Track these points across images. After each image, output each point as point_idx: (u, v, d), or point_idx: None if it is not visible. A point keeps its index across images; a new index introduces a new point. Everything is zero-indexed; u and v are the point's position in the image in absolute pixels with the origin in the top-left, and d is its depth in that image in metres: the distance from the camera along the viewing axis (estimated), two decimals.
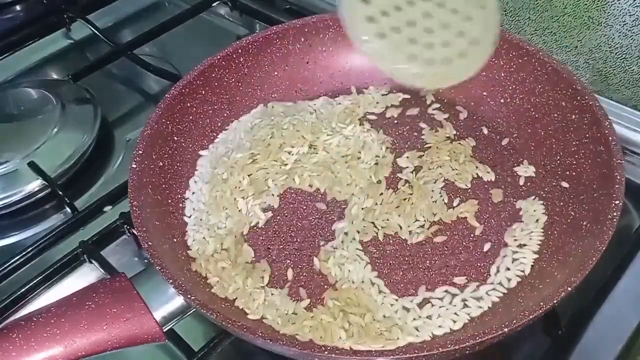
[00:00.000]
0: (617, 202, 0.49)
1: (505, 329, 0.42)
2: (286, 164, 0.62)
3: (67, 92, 0.78)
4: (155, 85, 0.84)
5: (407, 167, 0.62)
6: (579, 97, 0.57)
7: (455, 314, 0.51)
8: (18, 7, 0.96)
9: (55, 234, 0.64)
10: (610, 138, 0.53)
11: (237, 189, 0.60)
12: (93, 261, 0.61)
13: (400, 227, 0.57)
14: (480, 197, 0.59)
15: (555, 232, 0.55)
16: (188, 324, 0.51)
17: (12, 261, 0.62)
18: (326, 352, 0.43)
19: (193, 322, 0.55)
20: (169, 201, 0.58)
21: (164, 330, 0.48)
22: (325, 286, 0.53)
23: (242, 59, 0.67)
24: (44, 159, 0.69)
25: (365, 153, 0.63)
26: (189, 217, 0.59)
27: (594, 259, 0.46)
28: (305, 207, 0.60)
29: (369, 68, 0.70)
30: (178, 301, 0.48)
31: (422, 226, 0.57)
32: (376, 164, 0.62)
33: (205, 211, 0.59)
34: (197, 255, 0.55)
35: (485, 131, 0.65)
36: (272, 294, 0.53)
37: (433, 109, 0.67)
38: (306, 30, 0.68)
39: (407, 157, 0.63)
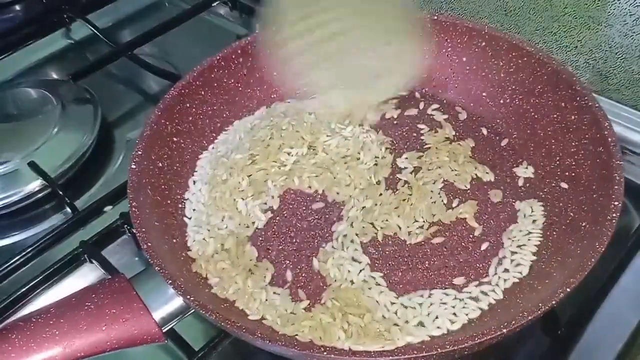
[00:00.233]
0: (616, 203, 0.49)
1: (504, 330, 0.43)
2: (285, 165, 0.62)
3: (67, 92, 0.78)
4: (155, 85, 0.84)
5: (406, 168, 0.62)
6: (578, 98, 0.57)
7: (454, 314, 0.51)
8: (18, 7, 0.96)
9: (56, 234, 0.64)
10: (609, 139, 0.53)
11: (236, 190, 0.60)
12: (93, 261, 0.61)
13: (400, 228, 0.57)
14: (479, 198, 0.59)
15: (555, 233, 0.55)
16: (188, 323, 0.51)
17: (13, 261, 0.62)
18: (325, 353, 0.43)
19: (193, 322, 0.55)
20: (169, 202, 0.58)
21: (164, 331, 0.48)
22: (324, 287, 0.53)
23: (241, 60, 0.67)
24: (44, 159, 0.70)
25: (365, 154, 0.63)
26: (189, 218, 0.59)
27: (593, 260, 0.46)
28: (304, 208, 0.60)
29: None
30: (177, 302, 0.48)
31: (421, 227, 0.57)
32: (375, 164, 0.62)
33: (205, 212, 0.59)
34: (197, 255, 0.55)
35: (485, 132, 0.65)
36: (273, 293, 0.53)
37: (432, 110, 0.67)
38: None
39: (407, 158, 0.63)
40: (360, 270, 0.54)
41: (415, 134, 0.65)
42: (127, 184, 0.54)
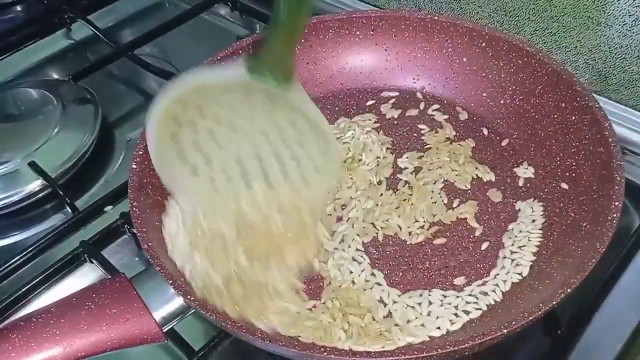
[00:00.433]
0: (617, 203, 0.49)
1: (505, 330, 0.43)
2: None
3: (67, 92, 0.78)
4: (155, 86, 0.84)
5: (407, 168, 0.62)
6: (578, 98, 0.57)
7: (455, 314, 0.51)
8: (18, 7, 0.96)
9: (56, 234, 0.64)
10: (610, 139, 0.53)
11: None
12: (94, 261, 0.61)
13: (400, 228, 0.57)
14: (479, 198, 0.59)
15: (555, 233, 0.55)
16: (188, 323, 0.51)
17: (13, 261, 0.62)
18: (325, 353, 0.43)
19: (193, 322, 0.55)
20: (169, 202, 0.58)
21: (164, 331, 0.48)
22: (325, 287, 0.53)
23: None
24: (45, 159, 0.69)
25: (367, 155, 0.63)
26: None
27: (593, 260, 0.45)
28: None
29: (369, 69, 0.70)
30: (178, 302, 0.48)
31: (422, 227, 0.57)
32: (377, 164, 0.62)
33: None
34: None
35: (485, 132, 0.65)
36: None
37: (433, 110, 0.67)
38: (306, 31, 0.68)
39: (407, 158, 0.63)
40: (362, 271, 0.54)
41: (415, 134, 0.65)
42: (128, 184, 0.54)
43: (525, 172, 0.61)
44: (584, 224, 0.52)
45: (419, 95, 0.69)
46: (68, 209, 0.67)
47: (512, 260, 0.54)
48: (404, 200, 0.59)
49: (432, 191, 0.60)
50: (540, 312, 0.43)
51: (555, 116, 0.60)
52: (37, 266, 0.62)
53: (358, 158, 0.62)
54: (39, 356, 0.44)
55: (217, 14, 0.95)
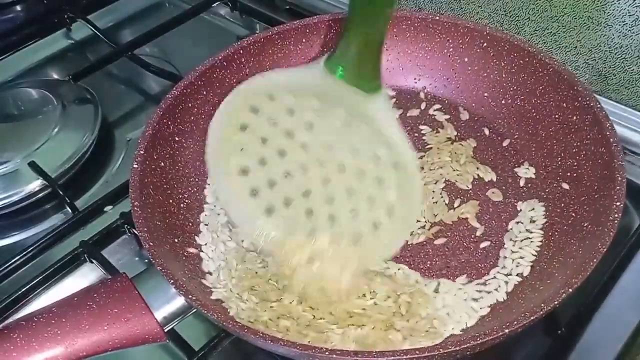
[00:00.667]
0: (618, 203, 0.49)
1: (506, 330, 0.42)
2: None
3: (67, 92, 0.78)
4: (155, 86, 0.84)
5: None
6: (580, 99, 0.57)
7: None
8: (18, 7, 0.96)
9: (56, 234, 0.64)
10: (611, 139, 0.53)
11: None
12: (94, 261, 0.61)
13: None
14: (481, 198, 0.59)
15: (556, 234, 0.55)
16: (188, 323, 0.51)
17: (13, 261, 0.62)
18: (327, 353, 0.43)
19: (193, 322, 0.55)
20: (171, 201, 0.58)
21: (165, 331, 0.48)
22: None
23: (243, 60, 0.66)
24: (45, 159, 0.69)
25: None
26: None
27: (595, 260, 0.45)
28: None
29: None
30: (179, 301, 0.48)
31: (423, 227, 0.57)
32: None
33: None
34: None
35: (487, 132, 0.65)
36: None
37: (434, 110, 0.67)
38: (307, 30, 0.68)
39: None
40: None
41: (417, 134, 0.65)
42: (129, 184, 0.54)
43: (526, 172, 0.61)
44: (585, 224, 0.52)
45: (420, 95, 0.69)
46: (68, 209, 0.67)
47: (513, 260, 0.54)
48: None
49: (434, 191, 0.60)
50: (542, 312, 0.43)
51: (557, 116, 0.60)
52: (37, 266, 0.62)
53: None
54: (41, 356, 0.44)
55: (217, 14, 0.95)
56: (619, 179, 0.50)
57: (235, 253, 0.56)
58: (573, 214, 0.54)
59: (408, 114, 0.67)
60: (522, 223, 0.57)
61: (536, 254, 0.54)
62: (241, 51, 0.66)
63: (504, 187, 0.60)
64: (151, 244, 0.49)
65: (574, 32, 0.69)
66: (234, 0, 0.92)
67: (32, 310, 0.47)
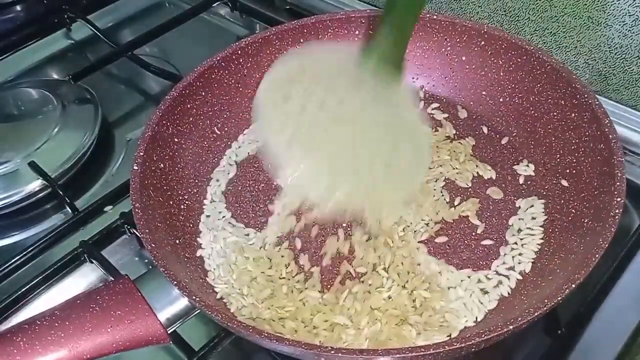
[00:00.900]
0: (618, 199, 0.49)
1: (510, 327, 0.42)
2: None
3: (67, 92, 0.78)
4: (155, 86, 0.84)
5: None
6: (578, 96, 0.57)
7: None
8: (18, 7, 0.96)
9: (56, 234, 0.64)
10: (610, 136, 0.53)
11: None
12: (93, 261, 0.61)
13: (408, 226, 0.57)
14: (481, 196, 0.59)
15: (557, 230, 0.55)
16: (188, 323, 0.51)
17: (13, 261, 0.62)
18: (332, 352, 0.43)
19: (194, 322, 0.55)
20: (171, 202, 0.58)
21: (169, 332, 0.48)
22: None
23: (241, 60, 0.66)
24: (45, 159, 0.69)
25: None
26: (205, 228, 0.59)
27: (597, 255, 0.45)
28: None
29: None
30: (182, 302, 0.48)
31: (427, 224, 0.57)
32: None
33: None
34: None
35: (485, 130, 0.65)
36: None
37: (432, 109, 0.67)
38: (305, 31, 0.68)
39: None
40: None
41: None
42: (130, 185, 0.54)
43: (525, 169, 0.61)
44: (586, 221, 0.52)
45: (418, 93, 0.69)
46: (68, 209, 0.67)
47: (514, 257, 0.54)
48: None
49: (435, 189, 0.60)
50: (545, 308, 0.43)
51: (555, 114, 0.60)
52: (37, 266, 0.62)
53: None
54: (44, 359, 0.44)
55: (217, 14, 0.95)
56: (619, 175, 0.50)
57: (234, 246, 0.57)
58: (573, 211, 0.55)
59: None
60: (522, 220, 0.57)
61: (537, 250, 0.54)
62: (239, 52, 0.66)
63: (503, 185, 0.60)
64: (153, 245, 0.49)
65: (574, 32, 0.69)
66: (234, 0, 0.92)
67: (33, 311, 0.47)
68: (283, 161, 0.52)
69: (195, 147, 0.63)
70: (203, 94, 0.64)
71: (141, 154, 0.56)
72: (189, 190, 0.61)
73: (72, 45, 0.93)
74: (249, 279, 0.53)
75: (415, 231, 0.57)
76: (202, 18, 0.91)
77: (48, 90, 0.79)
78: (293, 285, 0.53)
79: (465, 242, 0.56)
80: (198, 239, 0.58)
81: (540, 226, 0.56)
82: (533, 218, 0.57)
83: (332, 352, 0.42)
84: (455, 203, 0.59)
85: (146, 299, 0.47)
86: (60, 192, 0.67)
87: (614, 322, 0.53)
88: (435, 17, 0.66)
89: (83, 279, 0.61)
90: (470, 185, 0.60)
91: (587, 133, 0.56)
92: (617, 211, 0.48)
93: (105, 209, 0.66)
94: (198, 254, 0.57)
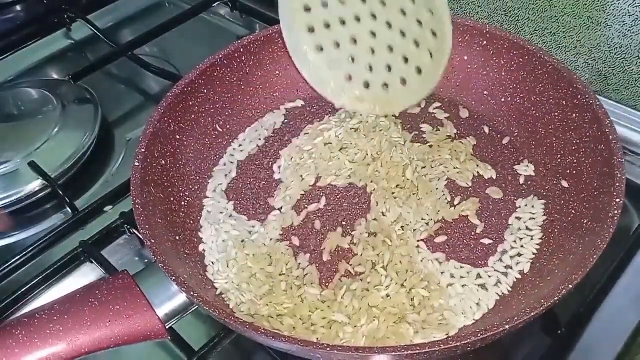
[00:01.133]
0: (618, 200, 0.49)
1: (507, 326, 0.42)
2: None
3: (67, 92, 0.78)
4: (155, 85, 0.84)
5: None
6: (579, 96, 0.57)
7: None
8: (18, 7, 0.96)
9: (56, 234, 0.64)
10: (611, 137, 0.53)
11: None
12: (93, 261, 0.61)
13: (408, 225, 0.57)
14: (481, 196, 0.59)
15: (556, 231, 0.55)
16: (189, 323, 0.51)
17: (13, 261, 0.62)
18: (328, 349, 0.43)
19: (194, 321, 0.55)
20: (171, 199, 0.58)
21: (167, 327, 0.48)
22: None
23: (243, 58, 0.67)
24: (45, 159, 0.69)
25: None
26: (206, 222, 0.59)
27: (595, 256, 0.46)
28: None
29: None
30: (181, 298, 0.48)
31: (427, 224, 0.57)
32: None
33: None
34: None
35: (486, 130, 0.65)
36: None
37: (434, 108, 0.67)
38: None
39: None
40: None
41: (417, 133, 0.65)
42: (131, 181, 0.54)
43: (526, 169, 0.61)
44: (585, 221, 0.52)
45: None
46: (68, 209, 0.67)
47: (513, 257, 0.54)
48: (413, 194, 0.59)
49: (437, 188, 0.60)
50: (542, 308, 0.43)
51: (556, 114, 0.60)
52: (37, 266, 0.62)
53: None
54: (43, 352, 0.44)
55: (217, 14, 0.95)
56: (619, 175, 0.50)
57: (234, 241, 0.57)
58: (573, 211, 0.55)
59: (408, 112, 0.67)
60: (522, 220, 0.57)
61: (536, 251, 0.54)
62: (242, 50, 0.66)
63: (504, 185, 0.60)
64: (153, 241, 0.49)
65: (574, 32, 0.70)
66: (234, 0, 0.93)
67: (34, 308, 0.47)
68: (302, 49, 0.54)
69: (197, 144, 0.63)
70: (205, 91, 0.65)
71: (142, 150, 0.56)
72: (190, 187, 0.61)
73: (72, 45, 0.93)
74: (248, 275, 0.53)
75: (414, 230, 0.57)
76: (202, 18, 0.91)
77: (48, 90, 0.79)
78: (292, 282, 0.53)
79: (465, 241, 0.56)
80: (199, 233, 0.58)
81: (540, 226, 0.56)
82: (532, 218, 0.57)
83: (329, 349, 0.42)
84: (456, 202, 0.59)
85: (145, 294, 0.47)
86: (60, 192, 0.67)
87: (614, 322, 0.53)
88: None
89: (83, 279, 0.61)
90: (470, 185, 0.60)
91: (587, 134, 0.56)
92: (616, 212, 0.48)
93: (105, 209, 0.66)
94: (200, 249, 0.57)
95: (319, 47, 0.56)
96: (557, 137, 0.60)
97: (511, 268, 0.53)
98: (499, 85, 0.65)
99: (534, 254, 0.54)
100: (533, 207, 0.58)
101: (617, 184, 0.50)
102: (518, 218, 0.57)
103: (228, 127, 0.66)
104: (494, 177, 0.61)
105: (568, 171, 0.58)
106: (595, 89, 0.71)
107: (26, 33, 0.91)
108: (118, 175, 0.72)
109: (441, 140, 0.64)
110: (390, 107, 0.59)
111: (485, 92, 0.66)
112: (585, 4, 0.67)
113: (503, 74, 0.64)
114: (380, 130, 0.63)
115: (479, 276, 0.53)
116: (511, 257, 0.54)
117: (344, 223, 0.58)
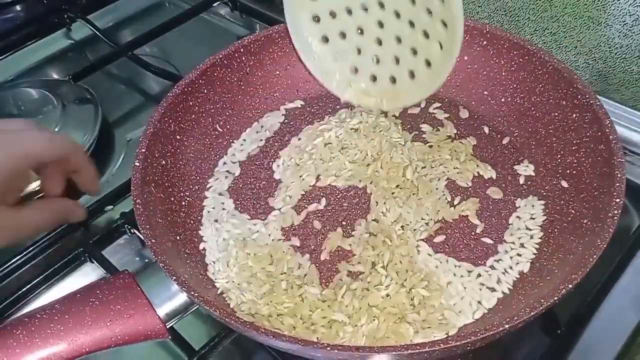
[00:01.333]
0: (617, 200, 0.49)
1: (506, 326, 0.42)
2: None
3: (67, 92, 0.78)
4: (155, 86, 0.85)
5: None
6: (579, 96, 0.57)
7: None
8: (18, 7, 0.96)
9: (56, 234, 0.64)
10: (610, 137, 0.53)
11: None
12: (94, 261, 0.61)
13: (408, 224, 0.57)
14: (481, 196, 0.59)
15: (556, 230, 0.55)
16: (189, 322, 0.51)
17: (13, 261, 0.62)
18: (328, 348, 0.43)
19: (194, 321, 0.55)
20: (172, 199, 0.58)
21: (167, 327, 0.48)
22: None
23: (244, 58, 0.67)
24: None
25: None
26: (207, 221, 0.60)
27: (594, 256, 0.46)
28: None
29: None
30: (181, 298, 0.48)
31: (427, 224, 0.57)
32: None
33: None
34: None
35: (486, 130, 0.65)
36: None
37: (434, 108, 0.67)
38: None
39: None
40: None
41: (417, 132, 0.65)
42: (131, 181, 0.54)
43: (526, 169, 0.61)
44: (585, 221, 0.52)
45: None
46: None
47: (513, 257, 0.54)
48: (413, 194, 0.59)
49: (437, 187, 0.60)
50: (542, 308, 0.43)
51: (556, 114, 0.60)
52: (37, 266, 0.62)
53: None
54: (44, 352, 0.44)
55: (217, 14, 0.95)
56: (619, 175, 0.50)
57: (235, 240, 0.57)
58: (572, 211, 0.55)
59: (408, 112, 0.67)
60: (521, 220, 0.57)
61: (536, 251, 0.54)
62: (242, 49, 0.66)
63: (503, 185, 0.60)
64: (153, 241, 0.49)
65: (574, 32, 0.70)
66: (234, 0, 0.93)
67: (34, 308, 0.47)
68: (306, 39, 0.54)
69: (197, 144, 0.63)
70: (205, 91, 0.65)
71: (143, 150, 0.56)
72: (191, 187, 0.61)
73: (72, 45, 0.93)
74: (249, 274, 0.53)
75: (414, 230, 0.57)
76: (202, 18, 0.91)
77: (48, 90, 0.78)
78: (293, 282, 0.53)
79: (465, 241, 0.56)
80: (199, 232, 0.58)
81: (540, 226, 0.56)
82: (532, 218, 0.57)
83: (329, 348, 0.42)
84: (456, 202, 0.59)
85: (145, 294, 0.47)
86: None
87: (614, 322, 0.54)
88: None
89: (84, 279, 0.61)
90: (470, 184, 0.60)
91: (587, 134, 0.56)
92: (616, 212, 0.48)
93: (106, 209, 0.66)
94: (200, 247, 0.57)
95: (324, 37, 0.55)
96: (557, 137, 0.60)
97: (511, 268, 0.53)
98: (499, 85, 0.65)
99: (533, 253, 0.54)
100: (533, 207, 0.58)
101: (617, 184, 0.50)
102: (518, 218, 0.57)
103: (228, 127, 0.66)
104: (494, 177, 0.61)
105: (568, 171, 0.58)
106: (595, 89, 0.71)
107: (26, 33, 0.91)
108: (118, 175, 0.72)
109: (441, 140, 0.64)
110: (398, 101, 0.58)
111: (485, 92, 0.66)
112: (586, 4, 0.67)
113: (503, 74, 0.64)
114: (380, 131, 0.63)
115: (478, 275, 0.53)
116: (511, 257, 0.54)
117: (344, 223, 0.58)
